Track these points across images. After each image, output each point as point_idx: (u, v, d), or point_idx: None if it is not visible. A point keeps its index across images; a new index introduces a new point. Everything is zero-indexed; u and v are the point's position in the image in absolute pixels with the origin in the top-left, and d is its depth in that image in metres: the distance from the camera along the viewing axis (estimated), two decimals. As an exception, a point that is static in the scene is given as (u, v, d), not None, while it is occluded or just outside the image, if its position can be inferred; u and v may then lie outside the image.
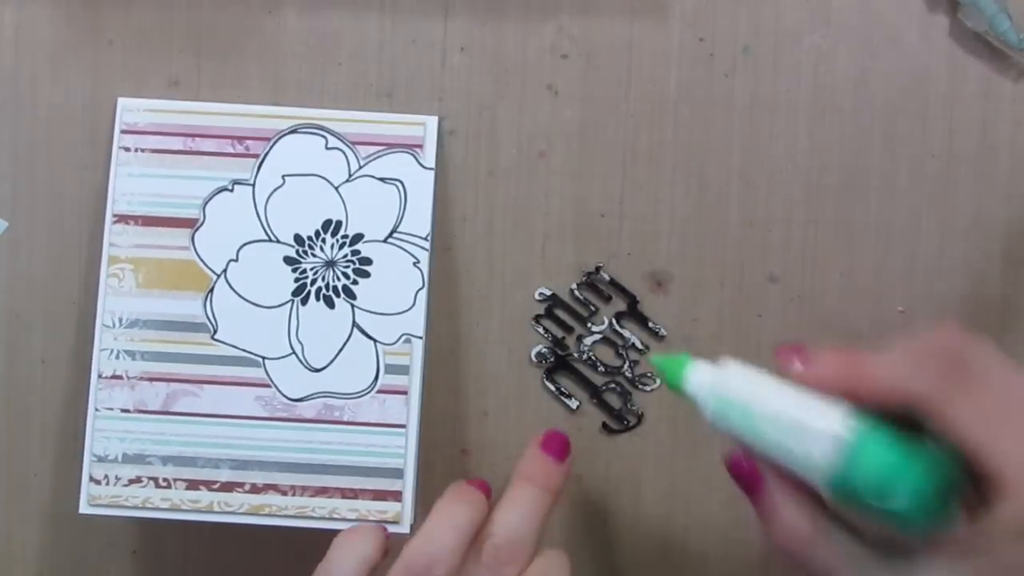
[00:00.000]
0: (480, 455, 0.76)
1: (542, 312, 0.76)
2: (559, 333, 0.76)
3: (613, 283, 0.75)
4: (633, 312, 0.75)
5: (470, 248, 0.76)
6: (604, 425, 0.76)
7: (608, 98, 0.75)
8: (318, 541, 0.69)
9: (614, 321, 0.75)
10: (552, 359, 0.76)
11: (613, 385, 0.76)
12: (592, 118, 0.75)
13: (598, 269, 0.75)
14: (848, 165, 0.75)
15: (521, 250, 0.76)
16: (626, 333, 0.75)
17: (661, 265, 0.75)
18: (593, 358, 0.75)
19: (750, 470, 0.62)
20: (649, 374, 0.75)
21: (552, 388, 0.76)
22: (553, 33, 0.75)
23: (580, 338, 0.76)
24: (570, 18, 0.75)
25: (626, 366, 0.75)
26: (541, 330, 0.76)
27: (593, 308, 0.75)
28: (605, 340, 0.75)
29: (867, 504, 0.55)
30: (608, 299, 0.75)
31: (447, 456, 0.75)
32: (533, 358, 0.76)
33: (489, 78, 0.75)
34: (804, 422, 0.57)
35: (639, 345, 0.75)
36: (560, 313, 0.76)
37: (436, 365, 0.76)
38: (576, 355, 0.76)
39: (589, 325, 0.75)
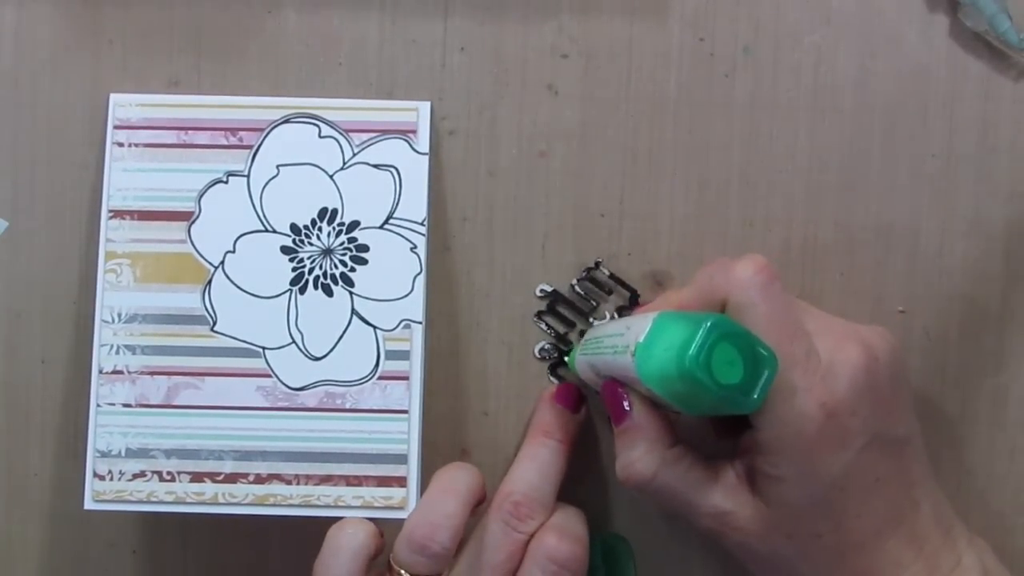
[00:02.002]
0: (480, 455, 0.76)
1: (544, 308, 0.76)
2: (561, 328, 0.76)
3: (613, 278, 0.75)
4: (635, 306, 0.75)
5: (470, 248, 0.76)
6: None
7: (608, 98, 0.75)
8: (317, 541, 0.69)
9: (616, 315, 0.75)
10: (555, 355, 0.76)
11: (617, 379, 0.76)
12: (592, 118, 0.75)
13: (597, 264, 0.75)
14: (848, 165, 0.75)
15: (521, 250, 0.76)
16: (628, 327, 0.75)
17: (661, 265, 0.75)
18: (596, 352, 0.75)
19: (622, 395, 0.67)
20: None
21: (557, 383, 0.76)
22: (553, 33, 0.75)
23: (583, 333, 0.75)
24: (570, 18, 0.75)
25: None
26: (544, 326, 0.76)
27: (594, 303, 0.75)
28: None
29: (664, 372, 0.60)
30: (609, 293, 0.75)
31: (447, 456, 0.75)
32: (536, 354, 0.76)
33: (489, 78, 0.75)
34: (629, 321, 0.67)
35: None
36: (562, 309, 0.76)
37: (436, 365, 0.76)
38: (579, 350, 0.76)
39: (591, 320, 0.75)
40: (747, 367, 0.60)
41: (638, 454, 0.66)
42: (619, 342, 0.65)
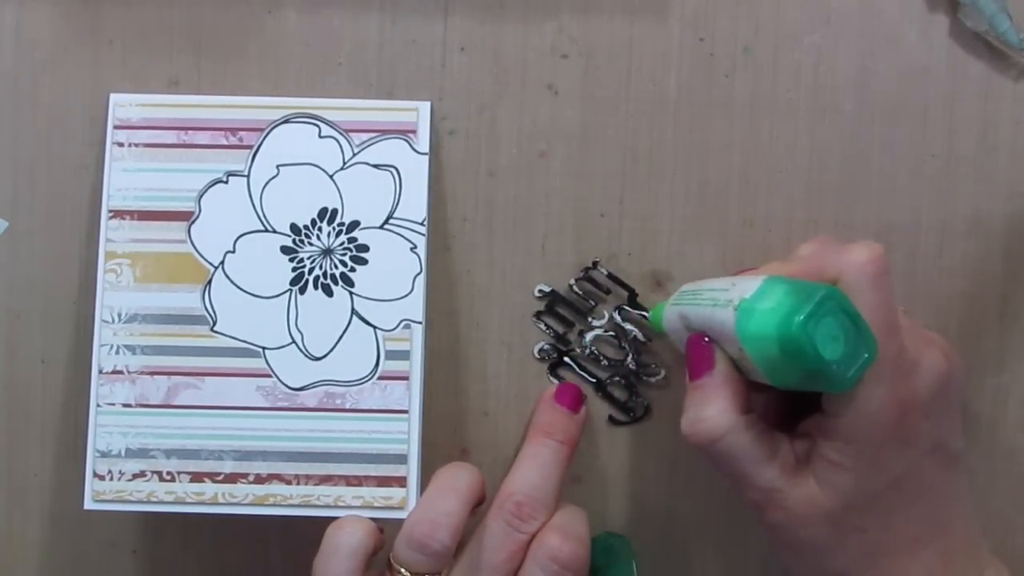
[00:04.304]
0: (480, 455, 0.76)
1: (543, 308, 0.76)
2: (560, 329, 0.76)
3: (611, 277, 0.75)
4: (634, 306, 0.75)
5: (470, 248, 0.76)
6: (610, 418, 0.76)
7: (608, 98, 0.75)
8: (317, 541, 0.69)
9: (616, 315, 0.75)
10: (555, 355, 0.76)
11: (617, 378, 0.76)
12: (592, 118, 0.75)
13: (595, 264, 0.75)
14: (848, 165, 0.75)
15: (521, 250, 0.76)
16: (627, 327, 0.75)
17: (661, 265, 0.75)
18: (596, 352, 0.75)
19: (708, 350, 0.66)
20: (653, 364, 0.75)
21: (557, 383, 0.76)
22: (553, 33, 0.75)
23: (582, 333, 0.76)
24: (570, 18, 0.75)
25: (629, 359, 0.75)
26: (543, 326, 0.76)
27: (592, 303, 0.75)
28: (607, 334, 0.75)
29: (765, 333, 0.60)
30: (607, 292, 0.75)
31: (447, 456, 0.75)
32: (536, 354, 0.76)
33: (489, 78, 0.75)
34: (735, 279, 0.65)
35: (641, 338, 0.75)
36: (561, 309, 0.76)
37: (436, 365, 0.76)
38: (578, 350, 0.76)
39: (590, 320, 0.75)
40: (848, 346, 0.59)
41: (711, 413, 0.65)
42: (721, 296, 0.64)
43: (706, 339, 0.66)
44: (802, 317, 0.58)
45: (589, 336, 0.75)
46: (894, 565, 0.65)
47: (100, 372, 0.72)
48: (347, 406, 0.72)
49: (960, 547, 0.67)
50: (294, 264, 0.72)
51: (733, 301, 0.63)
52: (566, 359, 0.76)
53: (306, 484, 0.72)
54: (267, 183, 0.73)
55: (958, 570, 0.66)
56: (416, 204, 0.73)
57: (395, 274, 0.72)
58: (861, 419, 0.62)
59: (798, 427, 0.66)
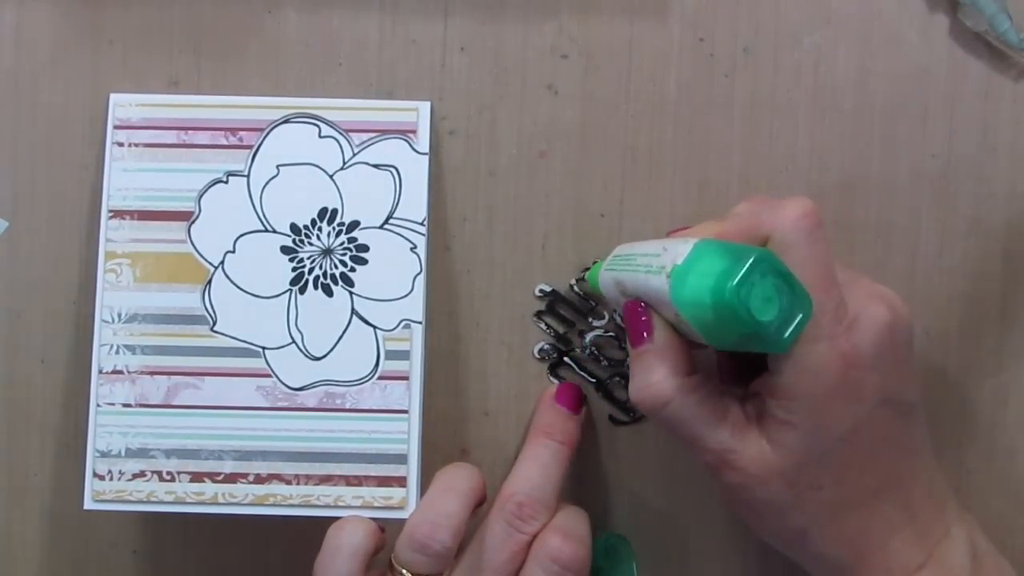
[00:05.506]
0: (480, 455, 0.76)
1: (543, 308, 0.76)
2: (561, 328, 0.76)
3: (612, 277, 0.75)
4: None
5: (470, 248, 0.76)
6: (611, 418, 0.76)
7: (608, 98, 0.75)
8: (317, 541, 0.69)
9: (616, 315, 0.75)
10: (555, 355, 0.76)
11: (618, 378, 0.76)
12: (592, 118, 0.75)
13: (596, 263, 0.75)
14: (848, 165, 0.75)
15: (521, 250, 0.76)
16: (628, 327, 0.75)
17: (661, 265, 0.75)
18: (596, 352, 0.75)
19: (645, 317, 0.66)
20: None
21: (557, 383, 0.76)
22: (553, 33, 0.75)
23: (582, 333, 0.76)
24: (570, 18, 0.75)
25: (629, 359, 0.75)
26: (543, 326, 0.76)
27: (592, 303, 0.75)
28: (607, 334, 0.75)
29: (699, 299, 0.60)
30: (608, 293, 0.75)
31: (447, 456, 0.75)
32: (536, 354, 0.76)
33: (489, 78, 0.75)
34: (666, 243, 0.64)
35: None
36: (561, 309, 0.76)
37: (436, 365, 0.76)
38: (579, 350, 0.76)
39: (590, 320, 0.75)
40: (783, 306, 0.60)
41: (657, 378, 0.65)
42: (654, 262, 0.64)
43: (642, 305, 0.66)
44: (734, 282, 0.58)
45: (589, 336, 0.75)
46: (854, 520, 0.65)
47: (100, 372, 0.72)
48: (347, 406, 0.72)
49: (923, 501, 0.67)
50: (294, 264, 0.72)
51: (666, 267, 0.62)
52: (566, 359, 0.76)
53: (306, 484, 0.72)
54: (267, 183, 0.73)
55: (923, 524, 0.66)
56: (416, 204, 0.73)
57: (395, 274, 0.72)
58: (804, 376, 0.62)
59: (749, 387, 0.66)
